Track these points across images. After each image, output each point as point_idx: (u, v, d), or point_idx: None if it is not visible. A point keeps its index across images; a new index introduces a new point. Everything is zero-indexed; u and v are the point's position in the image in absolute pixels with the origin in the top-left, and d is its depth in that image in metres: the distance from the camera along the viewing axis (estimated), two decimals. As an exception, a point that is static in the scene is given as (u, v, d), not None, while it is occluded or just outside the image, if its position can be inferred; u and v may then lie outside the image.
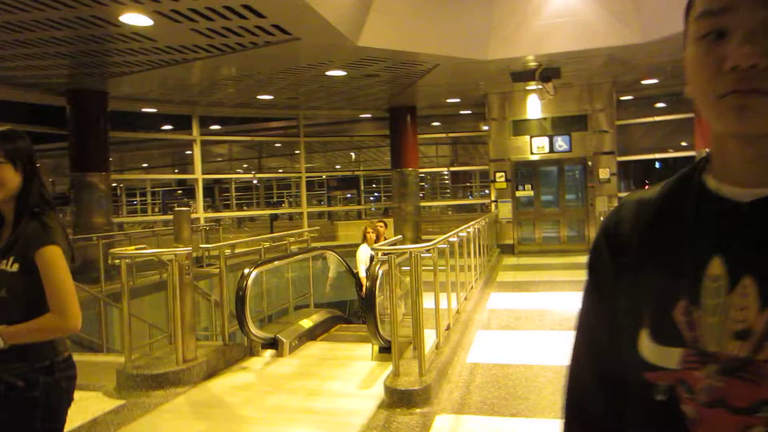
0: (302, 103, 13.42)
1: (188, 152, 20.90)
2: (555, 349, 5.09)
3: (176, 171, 21.45)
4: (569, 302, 6.90)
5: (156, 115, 13.69)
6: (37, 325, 1.76)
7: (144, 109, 12.67)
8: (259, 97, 12.18)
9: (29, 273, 1.77)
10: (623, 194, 11.55)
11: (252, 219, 20.83)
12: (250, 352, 5.61)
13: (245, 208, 24.16)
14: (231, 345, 5.47)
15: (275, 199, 25.39)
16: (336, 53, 8.61)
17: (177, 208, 5.25)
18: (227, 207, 23.03)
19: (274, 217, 17.94)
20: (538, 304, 7.20)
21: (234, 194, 22.96)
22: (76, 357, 1.97)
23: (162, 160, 23.81)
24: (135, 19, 6.46)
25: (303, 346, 6.02)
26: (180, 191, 24.64)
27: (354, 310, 8.81)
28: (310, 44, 7.83)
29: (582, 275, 0.83)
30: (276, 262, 6.52)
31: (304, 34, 7.33)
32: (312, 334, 6.36)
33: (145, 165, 22.50)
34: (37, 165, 1.91)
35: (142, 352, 5.56)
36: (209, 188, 22.02)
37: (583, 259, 0.84)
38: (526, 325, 6.23)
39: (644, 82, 12.12)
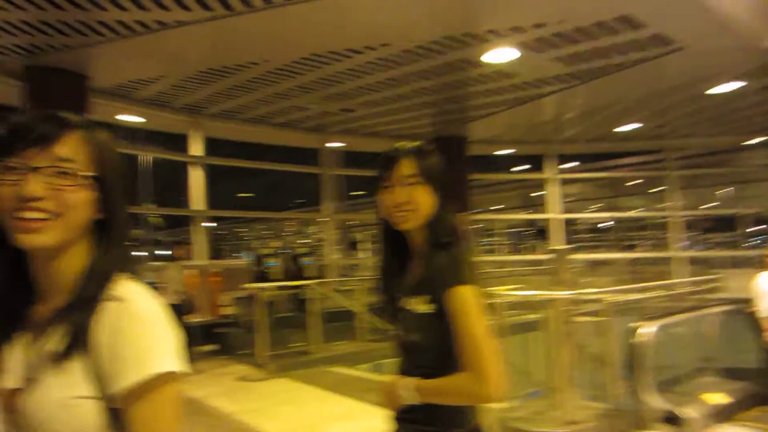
0: (669, 132, 11.62)
1: (534, 193, 20.78)
2: None
3: (530, 212, 21.58)
4: None
5: (508, 156, 13.85)
6: (450, 386, 1.44)
7: (498, 152, 12.92)
8: (618, 129, 11.03)
9: (442, 316, 1.44)
10: None
11: (606, 263, 19.25)
12: (642, 424, 4.59)
13: (595, 250, 22.70)
14: (618, 412, 4.63)
15: (631, 242, 23.11)
16: (729, 61, 6.95)
17: (556, 247, 4.81)
18: (576, 249, 21.96)
19: (634, 262, 16.08)
20: None
21: (585, 236, 21.74)
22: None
23: (511, 201, 24.41)
24: (498, 55, 6.34)
25: (714, 429, 4.66)
26: (530, 232, 24.68)
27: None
28: (695, 54, 6.45)
29: None
30: (676, 317, 5.33)
31: (690, 42, 6.05)
32: (724, 414, 4.92)
33: (495, 207, 23.36)
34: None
35: (518, 401, 5.13)
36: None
37: None
38: None
39: None
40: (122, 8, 4.94)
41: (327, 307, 8.23)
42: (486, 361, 1.37)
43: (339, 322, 8.40)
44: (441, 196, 1.55)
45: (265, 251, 10.49)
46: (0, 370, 0.93)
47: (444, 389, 1.45)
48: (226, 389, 6.17)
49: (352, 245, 16.93)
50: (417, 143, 1.59)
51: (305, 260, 10.53)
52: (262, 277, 9.71)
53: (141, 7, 4.92)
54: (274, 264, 10.24)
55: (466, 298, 1.41)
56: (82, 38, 5.58)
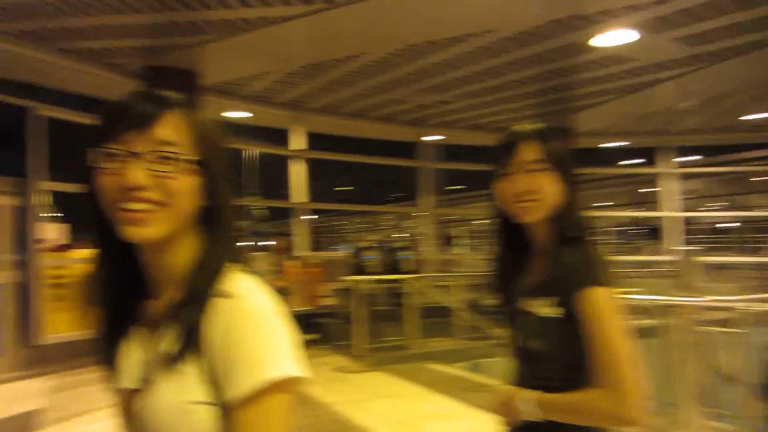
0: (809, 120, 10.33)
1: (642, 190, 19.32)
2: None
3: (640, 209, 20.20)
4: None
5: (614, 150, 12.96)
6: (582, 404, 1.23)
7: (602, 145, 12.13)
8: (745, 118, 9.95)
9: (570, 321, 1.25)
10: None
11: (728, 267, 17.62)
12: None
13: (713, 252, 20.86)
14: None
15: (758, 245, 21.01)
16: None
17: (684, 248, 4.38)
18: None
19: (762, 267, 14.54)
20: None
21: (701, 236, 19.98)
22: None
23: (617, 198, 22.96)
24: (610, 38, 5.89)
25: None
26: (639, 231, 23.14)
27: None
28: None
29: None
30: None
31: (842, 14, 5.27)
32: None
33: (600, 204, 22.07)
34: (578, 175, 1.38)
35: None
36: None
37: None
38: None
39: None
40: (229, 7, 5.10)
41: (424, 302, 8.16)
42: (626, 375, 1.17)
43: (435, 317, 8.30)
44: (569, 184, 1.34)
45: (363, 244, 10.57)
46: (117, 369, 0.89)
47: (574, 406, 1.25)
48: (324, 379, 6.26)
49: (448, 241, 16.71)
50: (540, 124, 1.38)
51: (402, 254, 10.49)
52: (360, 269, 9.79)
53: (246, 4, 5.06)
54: (372, 257, 10.29)
55: (601, 300, 1.22)
56: (193, 38, 5.86)
